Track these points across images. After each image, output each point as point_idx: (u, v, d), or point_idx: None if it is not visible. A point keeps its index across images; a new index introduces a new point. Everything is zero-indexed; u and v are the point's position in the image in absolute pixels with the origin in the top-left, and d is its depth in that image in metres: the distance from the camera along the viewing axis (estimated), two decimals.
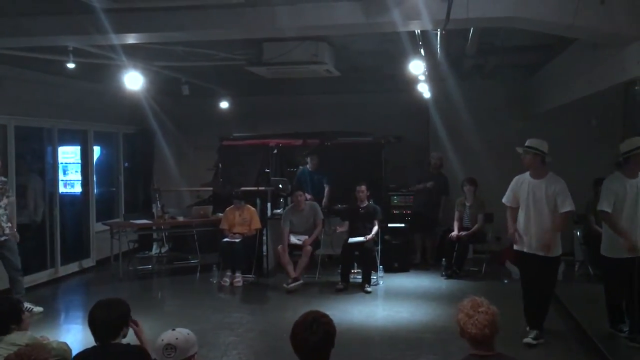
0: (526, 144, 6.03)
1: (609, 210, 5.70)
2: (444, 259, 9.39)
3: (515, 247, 6.25)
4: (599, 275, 8.36)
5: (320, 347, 2.77)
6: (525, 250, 6.09)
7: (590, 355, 5.75)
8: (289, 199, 9.60)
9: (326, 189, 10.07)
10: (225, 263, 9.01)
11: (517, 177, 6.26)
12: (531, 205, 6.01)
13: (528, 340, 5.93)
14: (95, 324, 3.32)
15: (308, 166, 10.31)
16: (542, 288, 6.07)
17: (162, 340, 3.00)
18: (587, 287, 8.32)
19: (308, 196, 9.32)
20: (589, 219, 8.39)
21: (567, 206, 5.88)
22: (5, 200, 7.27)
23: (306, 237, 8.78)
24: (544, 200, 5.94)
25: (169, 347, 2.97)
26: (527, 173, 6.13)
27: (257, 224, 9.17)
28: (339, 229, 8.96)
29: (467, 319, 2.88)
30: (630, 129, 9.29)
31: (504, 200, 6.32)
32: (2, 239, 7.17)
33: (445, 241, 9.38)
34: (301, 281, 8.52)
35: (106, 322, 3.31)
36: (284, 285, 8.45)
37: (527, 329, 6.08)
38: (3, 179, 7.38)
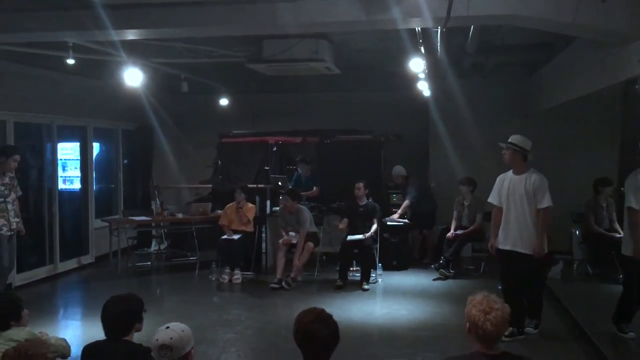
0: (508, 140, 6.05)
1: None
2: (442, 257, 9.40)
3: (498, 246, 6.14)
4: (598, 275, 8.39)
5: (329, 342, 2.76)
6: (507, 247, 6.03)
7: (589, 352, 5.74)
8: None
9: (314, 189, 10.01)
10: (223, 260, 9.01)
11: (500, 176, 6.26)
12: (511, 202, 6.01)
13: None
14: (105, 318, 3.30)
15: (300, 172, 10.29)
16: (527, 286, 6.06)
17: (157, 340, 2.96)
18: (586, 286, 8.32)
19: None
20: (588, 218, 8.37)
21: (545, 202, 5.84)
22: (13, 196, 7.28)
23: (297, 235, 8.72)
24: (525, 197, 5.92)
25: (164, 348, 2.93)
26: (511, 171, 6.13)
27: (251, 217, 9.15)
28: (340, 227, 8.93)
29: (483, 316, 2.76)
30: (630, 128, 9.31)
31: (490, 199, 6.31)
32: (9, 233, 7.17)
33: (442, 241, 9.33)
34: (285, 285, 8.31)
35: (115, 317, 3.30)
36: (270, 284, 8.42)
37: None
38: (11, 174, 7.35)
